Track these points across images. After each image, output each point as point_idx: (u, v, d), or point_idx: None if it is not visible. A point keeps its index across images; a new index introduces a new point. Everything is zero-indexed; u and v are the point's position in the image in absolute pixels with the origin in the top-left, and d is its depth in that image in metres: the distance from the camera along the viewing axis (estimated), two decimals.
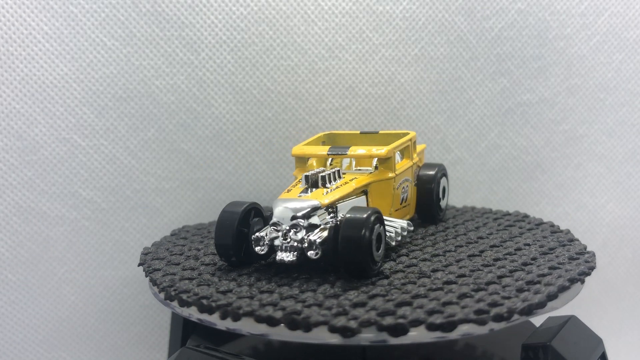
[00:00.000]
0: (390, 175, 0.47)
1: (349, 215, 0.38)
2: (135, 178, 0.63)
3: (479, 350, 0.49)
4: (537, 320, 0.40)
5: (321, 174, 0.43)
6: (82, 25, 0.59)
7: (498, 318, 0.33)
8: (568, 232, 0.50)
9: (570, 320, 0.41)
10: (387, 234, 0.41)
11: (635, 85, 0.72)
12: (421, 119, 0.68)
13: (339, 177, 0.45)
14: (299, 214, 0.39)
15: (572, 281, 0.38)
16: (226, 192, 0.65)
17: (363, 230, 0.37)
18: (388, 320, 0.32)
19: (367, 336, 0.32)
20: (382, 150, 0.46)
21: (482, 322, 0.32)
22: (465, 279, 0.38)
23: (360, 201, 0.45)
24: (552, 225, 0.52)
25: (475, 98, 0.69)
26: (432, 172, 0.52)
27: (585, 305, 0.73)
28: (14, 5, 0.57)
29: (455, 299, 0.34)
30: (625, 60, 0.71)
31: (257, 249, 0.41)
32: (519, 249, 0.45)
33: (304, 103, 0.65)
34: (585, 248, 0.46)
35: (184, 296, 0.37)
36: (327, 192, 0.42)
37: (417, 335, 0.32)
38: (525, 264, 0.41)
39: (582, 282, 0.39)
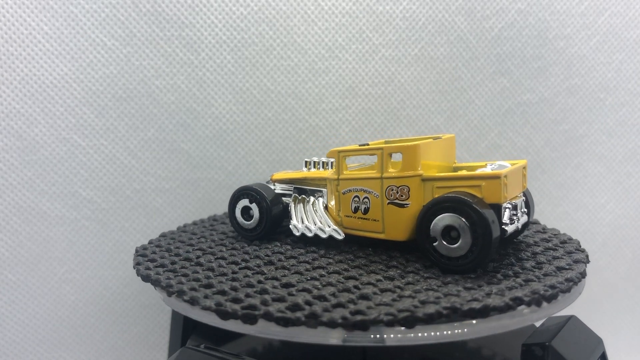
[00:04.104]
0: (331, 176, 0.47)
1: None
2: (135, 178, 0.63)
3: (479, 350, 0.49)
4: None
5: (312, 160, 0.50)
6: (82, 25, 0.59)
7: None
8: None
9: (570, 320, 0.41)
10: (291, 222, 0.48)
11: (635, 85, 0.72)
12: (421, 119, 0.68)
13: (323, 167, 0.50)
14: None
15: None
16: (226, 192, 0.65)
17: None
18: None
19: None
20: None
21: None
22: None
23: (324, 193, 0.49)
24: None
25: (475, 98, 0.69)
26: (430, 201, 0.40)
27: (585, 305, 0.74)
28: (14, 5, 0.57)
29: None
30: (625, 60, 0.71)
31: None
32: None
33: (304, 103, 0.65)
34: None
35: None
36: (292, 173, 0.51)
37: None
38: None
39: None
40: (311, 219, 0.48)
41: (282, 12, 0.63)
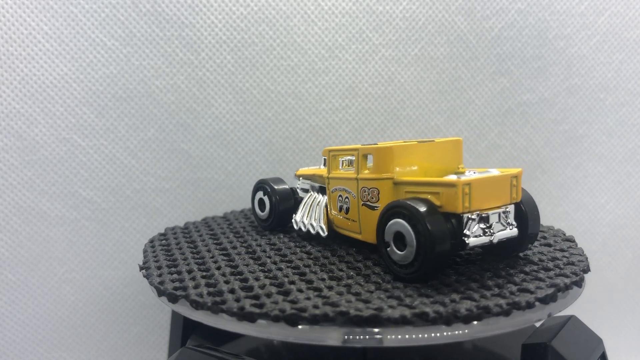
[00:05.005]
0: (325, 174, 0.48)
1: None
2: (135, 178, 0.63)
3: (479, 350, 0.49)
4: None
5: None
6: (82, 25, 0.59)
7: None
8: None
9: (570, 320, 0.41)
10: (293, 217, 0.50)
11: (635, 85, 0.72)
12: (421, 119, 0.68)
13: None
14: None
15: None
16: (226, 192, 0.65)
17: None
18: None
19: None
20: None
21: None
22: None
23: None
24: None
25: (475, 98, 0.69)
26: (386, 205, 0.39)
27: (585, 305, 0.74)
28: (14, 5, 0.57)
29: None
30: (625, 60, 0.71)
31: None
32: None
33: (304, 103, 0.65)
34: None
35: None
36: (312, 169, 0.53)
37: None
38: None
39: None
40: (309, 215, 0.49)
41: (282, 12, 0.63)
